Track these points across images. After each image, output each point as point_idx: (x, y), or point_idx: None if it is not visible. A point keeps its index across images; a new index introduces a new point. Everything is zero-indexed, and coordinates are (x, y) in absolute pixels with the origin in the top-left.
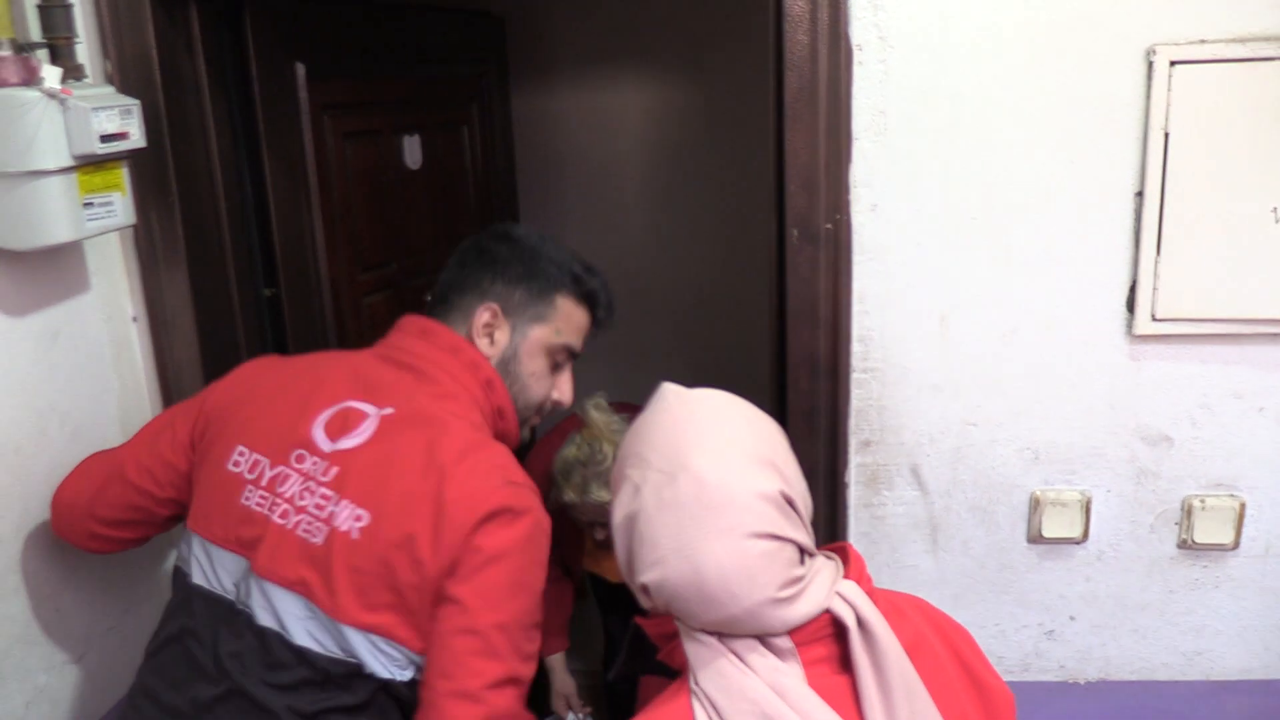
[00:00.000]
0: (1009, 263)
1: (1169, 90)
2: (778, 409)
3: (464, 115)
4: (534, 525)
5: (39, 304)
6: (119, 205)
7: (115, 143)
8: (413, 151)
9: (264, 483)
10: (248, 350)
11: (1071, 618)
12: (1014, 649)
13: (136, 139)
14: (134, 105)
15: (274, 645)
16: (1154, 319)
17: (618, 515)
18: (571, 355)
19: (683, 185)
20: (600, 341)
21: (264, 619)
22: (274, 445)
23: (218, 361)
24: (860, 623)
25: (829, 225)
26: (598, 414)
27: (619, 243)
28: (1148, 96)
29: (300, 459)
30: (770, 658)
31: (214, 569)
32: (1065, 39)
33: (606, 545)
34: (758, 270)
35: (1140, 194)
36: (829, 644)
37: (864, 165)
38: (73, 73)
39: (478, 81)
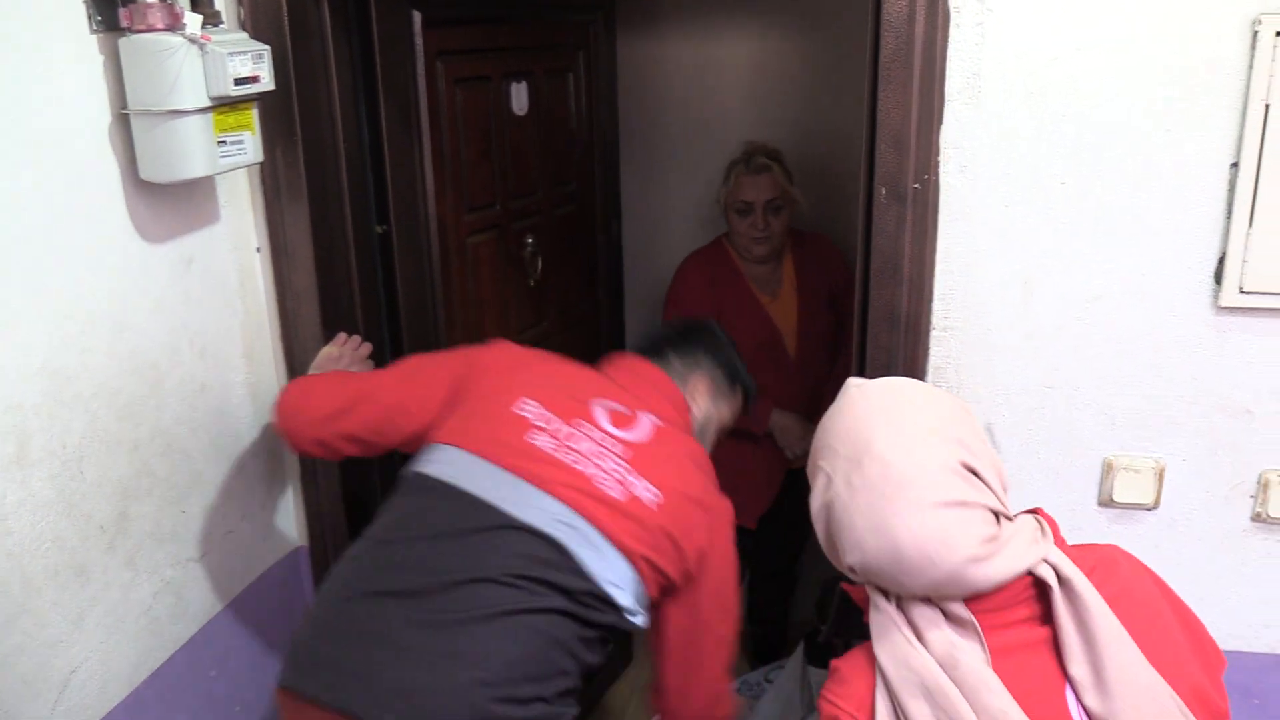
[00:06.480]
0: (1096, 229)
1: (1273, 61)
2: (858, 362)
3: (571, 62)
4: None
5: (175, 233)
6: (249, 144)
7: (247, 85)
8: (519, 98)
9: (559, 435)
10: (360, 281)
11: None
12: None
13: (266, 82)
14: (265, 51)
15: (550, 549)
16: (1241, 291)
17: (815, 504)
18: None
19: (780, 138)
20: None
21: (551, 529)
22: (560, 410)
23: (332, 290)
24: (1061, 580)
25: (917, 185)
26: None
27: (715, 193)
28: (1250, 67)
29: (584, 429)
30: (947, 630)
31: (481, 481)
32: (1167, 6)
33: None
34: (851, 227)
35: (1236, 165)
36: (1031, 604)
37: (955, 127)
38: (211, 19)
39: (586, 29)
